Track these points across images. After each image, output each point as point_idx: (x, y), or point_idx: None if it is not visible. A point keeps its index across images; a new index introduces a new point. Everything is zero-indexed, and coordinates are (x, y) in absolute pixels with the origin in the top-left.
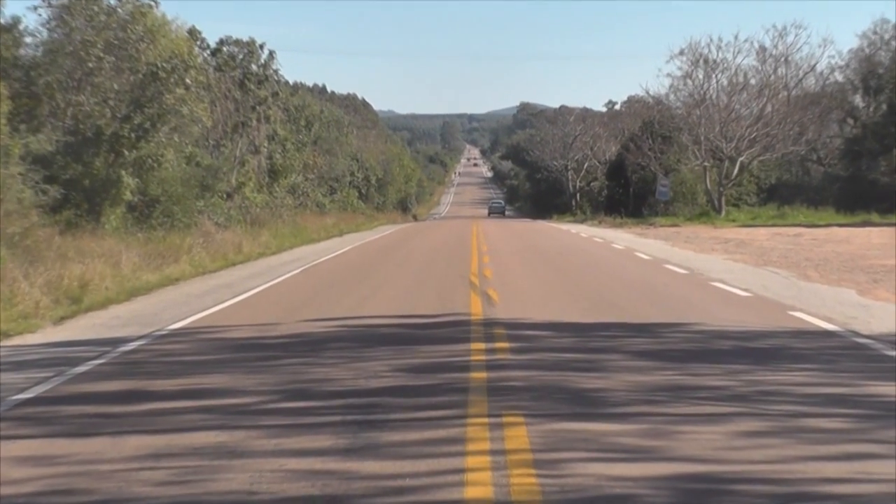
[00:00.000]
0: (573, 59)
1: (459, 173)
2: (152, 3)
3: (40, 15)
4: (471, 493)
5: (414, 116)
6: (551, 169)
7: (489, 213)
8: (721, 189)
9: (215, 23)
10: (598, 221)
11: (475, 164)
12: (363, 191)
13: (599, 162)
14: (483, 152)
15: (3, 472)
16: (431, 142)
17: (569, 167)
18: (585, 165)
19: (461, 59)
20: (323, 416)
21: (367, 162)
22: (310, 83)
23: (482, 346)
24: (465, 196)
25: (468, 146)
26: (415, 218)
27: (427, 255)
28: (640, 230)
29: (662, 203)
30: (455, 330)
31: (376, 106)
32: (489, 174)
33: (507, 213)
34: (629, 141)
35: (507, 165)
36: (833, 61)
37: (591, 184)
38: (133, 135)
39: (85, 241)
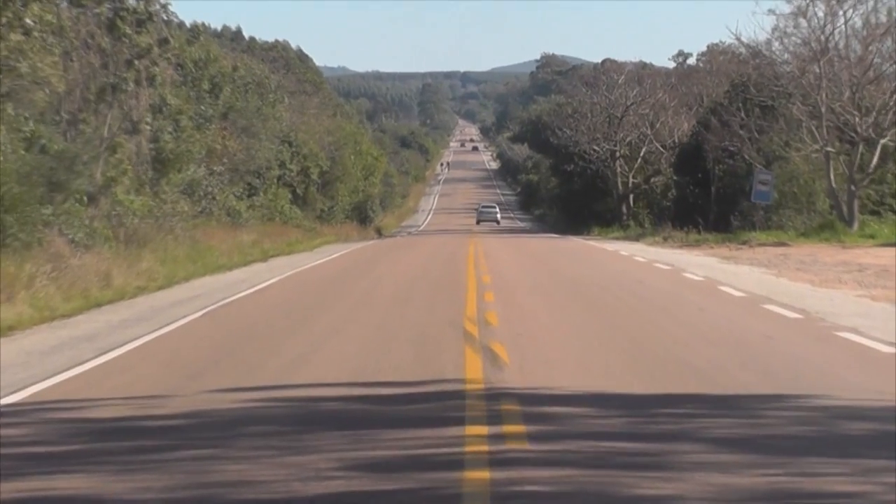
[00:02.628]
0: None
1: (448, 164)
2: None
3: None
4: None
5: (378, 76)
6: (590, 157)
7: (478, 221)
8: (853, 188)
9: None
10: (662, 238)
11: (473, 148)
12: (299, 191)
13: (664, 147)
14: (485, 130)
15: None
16: (405, 115)
17: (617, 154)
18: (643, 152)
19: None
20: None
21: (304, 147)
22: (217, 25)
23: (483, 430)
24: (457, 199)
25: (461, 121)
26: (379, 233)
27: (399, 290)
28: (727, 251)
29: (762, 210)
30: (441, 405)
31: (320, 60)
32: (494, 164)
33: (522, 223)
34: (710, 114)
35: (521, 151)
36: None
37: (652, 180)
38: None
39: None
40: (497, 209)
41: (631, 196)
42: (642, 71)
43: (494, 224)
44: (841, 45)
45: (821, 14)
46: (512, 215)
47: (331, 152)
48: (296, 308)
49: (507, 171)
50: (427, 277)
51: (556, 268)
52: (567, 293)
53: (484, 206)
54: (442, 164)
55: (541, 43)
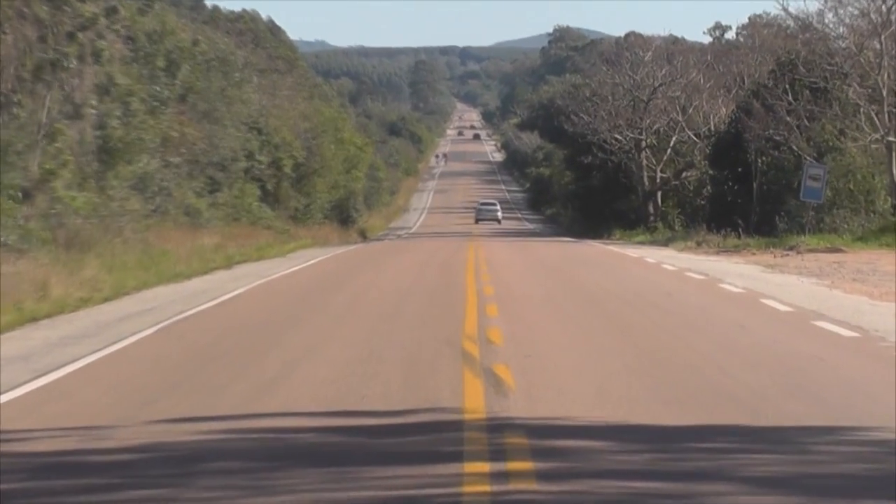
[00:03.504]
0: None
1: (445, 155)
2: None
3: None
4: None
5: (362, 52)
6: (611, 148)
7: (477, 220)
8: None
9: None
10: (695, 243)
11: (474, 137)
12: (270, 187)
13: (698, 136)
14: (488, 116)
15: None
16: (395, 97)
17: (643, 144)
18: (673, 142)
19: None
20: None
21: (276, 135)
22: None
23: (484, 467)
24: (455, 196)
25: (460, 105)
26: (363, 236)
27: (387, 303)
28: (771, 258)
29: (812, 210)
30: (436, 438)
31: (294, 34)
32: (498, 156)
33: (531, 225)
34: (752, 97)
35: (530, 141)
36: None
37: (683, 175)
38: None
39: None
40: (498, 206)
41: (659, 193)
42: (672, 46)
43: (496, 224)
44: None
45: None
46: (519, 215)
47: (307, 141)
48: (265, 324)
49: (514, 163)
50: (419, 288)
51: (571, 277)
52: (584, 307)
53: (483, 204)
54: (437, 156)
55: (553, 13)
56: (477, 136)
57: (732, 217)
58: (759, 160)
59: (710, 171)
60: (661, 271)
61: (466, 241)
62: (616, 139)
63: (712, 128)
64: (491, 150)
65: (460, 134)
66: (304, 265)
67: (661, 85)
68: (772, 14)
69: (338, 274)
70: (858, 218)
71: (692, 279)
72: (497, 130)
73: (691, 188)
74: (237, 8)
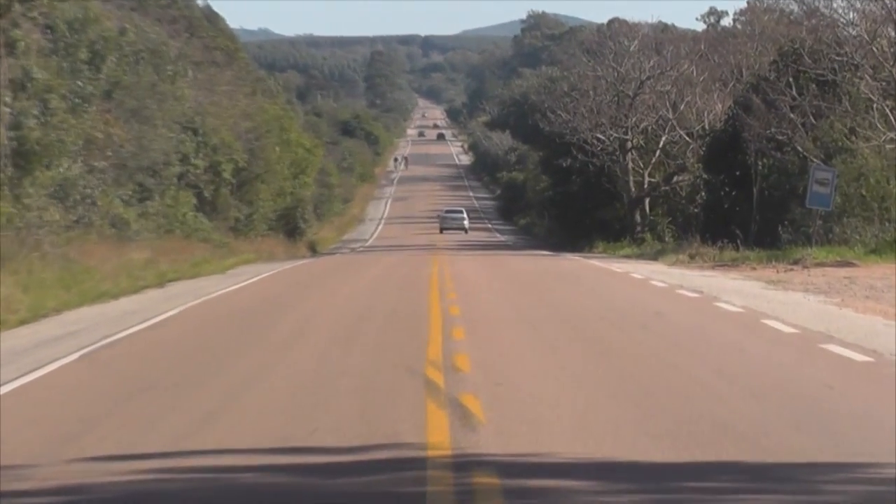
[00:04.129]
0: None
1: (406, 158)
2: None
3: None
4: None
5: (311, 41)
6: (593, 149)
7: (441, 229)
8: None
9: None
10: (687, 256)
11: (438, 137)
12: (207, 194)
13: (690, 135)
14: (453, 114)
15: None
16: (348, 93)
17: (629, 145)
18: (662, 142)
19: None
20: None
21: (214, 136)
22: None
23: None
24: (416, 204)
25: (422, 102)
26: (313, 250)
27: (340, 326)
28: (774, 273)
29: (820, 218)
30: (395, 478)
31: (235, 21)
32: (465, 158)
33: (503, 236)
34: (751, 91)
35: (501, 141)
36: None
37: (675, 179)
38: None
39: None
40: (465, 214)
41: (647, 200)
42: (662, 35)
43: (462, 233)
44: None
45: None
46: (489, 225)
47: (249, 143)
48: (203, 349)
49: (483, 167)
50: (377, 309)
51: (548, 295)
52: (562, 329)
53: (448, 211)
54: (397, 159)
55: None
56: (441, 137)
57: (730, 227)
58: (760, 163)
59: (705, 175)
60: (649, 288)
61: (430, 255)
62: (598, 139)
63: (707, 126)
64: (457, 152)
65: (421, 135)
66: (246, 283)
67: (648, 78)
68: None
69: (285, 293)
70: (871, 228)
71: (685, 297)
72: (464, 130)
73: (683, 194)
74: None
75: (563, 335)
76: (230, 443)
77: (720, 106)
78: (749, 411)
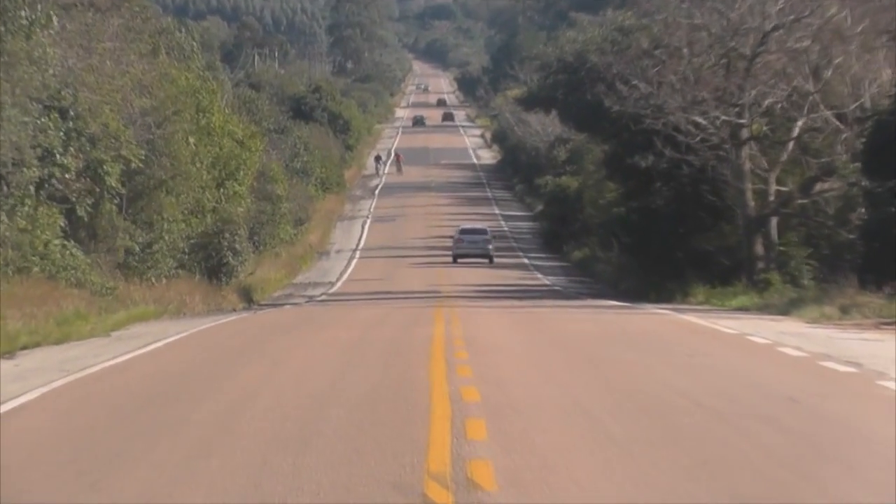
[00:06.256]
0: None
1: (398, 154)
2: None
3: None
4: None
5: None
6: (687, 141)
7: (455, 257)
8: None
9: None
10: (838, 308)
11: (444, 117)
12: (82, 211)
13: (842, 120)
14: (467, 84)
15: None
16: (304, 51)
17: (745, 135)
18: (797, 130)
19: None
20: None
21: (94, 120)
22: None
23: None
24: (409, 226)
25: (419, 65)
26: (249, 299)
27: (289, 419)
28: None
29: None
30: None
31: None
32: (486, 153)
33: (548, 278)
34: None
35: (542, 128)
36: None
37: (818, 188)
38: None
39: None
40: (489, 235)
41: (773, 221)
42: None
43: (485, 263)
44: None
45: None
46: (525, 260)
47: (148, 131)
48: (75, 455)
49: (516, 168)
50: (347, 391)
51: (617, 372)
52: (640, 424)
53: (465, 231)
54: (379, 157)
55: None
56: (449, 118)
57: None
58: None
59: (865, 182)
60: (777, 359)
61: (431, 308)
62: (697, 125)
63: (868, 105)
64: (474, 145)
65: (415, 124)
66: (142, 351)
67: (775, 29)
68: None
69: (203, 367)
70: None
71: (833, 374)
72: (484, 110)
73: (831, 212)
74: None
75: (641, 433)
76: None
77: (889, 72)
78: None
